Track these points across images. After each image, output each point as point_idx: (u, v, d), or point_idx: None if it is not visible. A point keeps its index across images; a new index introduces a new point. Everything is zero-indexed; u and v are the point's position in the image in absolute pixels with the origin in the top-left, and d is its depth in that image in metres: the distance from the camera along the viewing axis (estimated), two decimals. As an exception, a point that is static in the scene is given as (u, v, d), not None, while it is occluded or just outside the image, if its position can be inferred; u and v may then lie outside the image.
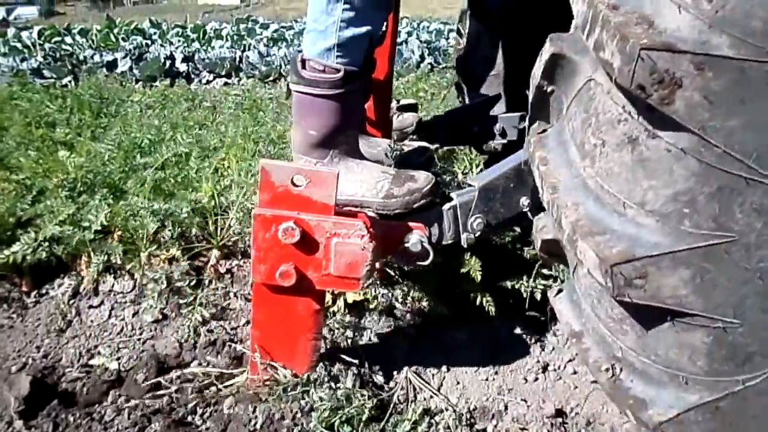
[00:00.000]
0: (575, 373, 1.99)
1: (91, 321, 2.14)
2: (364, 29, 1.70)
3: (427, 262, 1.69)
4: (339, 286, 1.65)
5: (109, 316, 2.15)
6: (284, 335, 1.71)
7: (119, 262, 2.24)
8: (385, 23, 2.01)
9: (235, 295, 2.21)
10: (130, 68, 9.44)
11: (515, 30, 2.85)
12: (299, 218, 1.53)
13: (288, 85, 1.96)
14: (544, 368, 1.99)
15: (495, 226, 1.85)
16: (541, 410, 1.80)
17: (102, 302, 2.20)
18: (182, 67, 9.62)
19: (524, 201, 1.80)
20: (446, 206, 1.80)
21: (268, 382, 1.71)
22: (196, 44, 11.48)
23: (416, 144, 2.29)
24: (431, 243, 1.72)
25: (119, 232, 2.31)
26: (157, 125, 3.48)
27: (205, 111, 4.43)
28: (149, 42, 11.75)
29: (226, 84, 8.81)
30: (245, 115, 3.97)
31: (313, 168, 1.65)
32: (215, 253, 2.32)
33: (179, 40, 12.04)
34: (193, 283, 2.18)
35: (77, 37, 12.88)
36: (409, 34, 11.26)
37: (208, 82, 9.29)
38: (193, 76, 9.49)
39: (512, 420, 1.77)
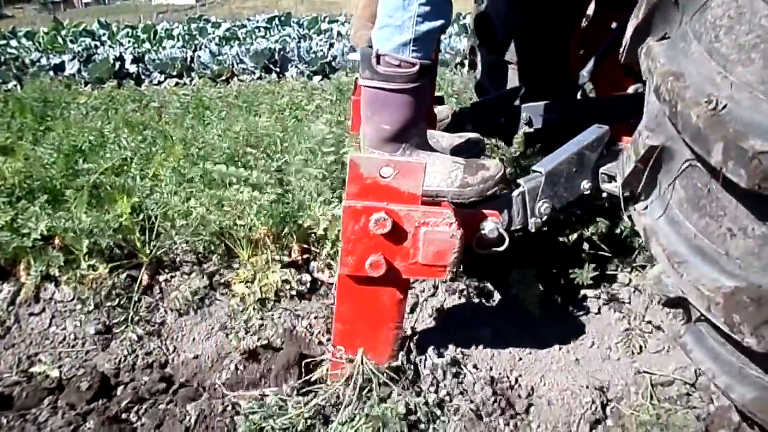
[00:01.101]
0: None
1: (32, 329, 2.10)
2: (438, 23, 1.73)
3: (502, 248, 1.73)
4: (426, 275, 1.67)
5: (50, 325, 2.12)
6: (368, 326, 1.73)
7: (58, 273, 2.20)
8: None
9: (166, 310, 2.18)
10: (79, 71, 9.25)
11: (527, 53, 2.98)
12: (389, 209, 1.56)
13: (356, 80, 1.99)
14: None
15: (559, 210, 1.91)
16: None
17: (43, 310, 2.16)
18: (132, 68, 9.46)
19: (585, 184, 1.90)
20: (515, 192, 1.85)
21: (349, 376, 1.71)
22: (147, 45, 11.30)
23: (468, 135, 2.32)
24: (506, 229, 1.78)
25: (59, 240, 2.27)
26: (99, 128, 3.42)
27: (150, 112, 4.38)
28: (98, 44, 11.52)
29: (177, 84, 8.70)
30: (190, 116, 3.94)
31: (400, 159, 1.68)
32: (146, 267, 2.27)
33: (129, 41, 11.83)
34: (128, 297, 2.16)
35: (23, 40, 12.54)
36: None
37: (159, 82, 9.16)
38: (143, 77, 9.35)
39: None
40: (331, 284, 2.25)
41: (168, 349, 2.05)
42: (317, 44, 9.69)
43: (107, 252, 2.29)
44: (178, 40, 11.61)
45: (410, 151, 1.85)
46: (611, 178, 1.85)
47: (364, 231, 1.56)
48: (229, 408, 1.63)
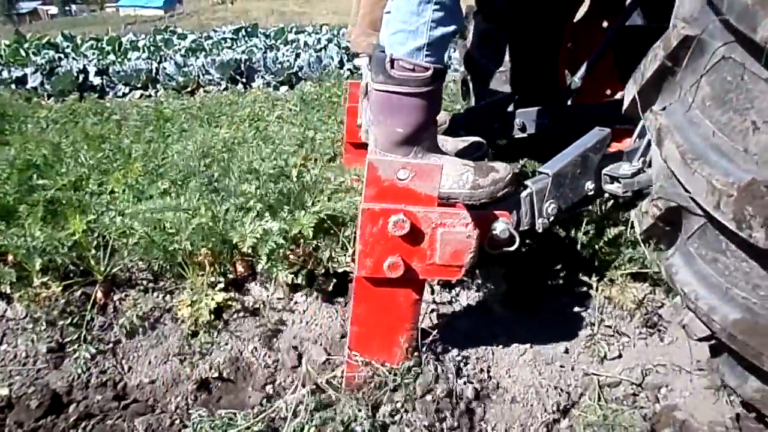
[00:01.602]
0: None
1: (-18, 347, 2.08)
2: (451, 28, 1.78)
3: (513, 248, 1.78)
4: (442, 275, 1.70)
5: (1, 343, 2.09)
6: (383, 328, 1.75)
7: (9, 291, 2.16)
8: None
9: (120, 328, 2.14)
10: (41, 84, 9.13)
11: (522, 28, 3.00)
12: (407, 210, 1.59)
13: (367, 85, 2.01)
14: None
15: (564, 210, 1.97)
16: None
17: (-6, 327, 2.14)
18: (96, 80, 9.37)
19: (589, 185, 1.97)
20: (523, 194, 1.91)
21: (367, 378, 1.75)
22: (112, 56, 11.19)
23: (471, 139, 2.36)
24: (516, 229, 1.83)
25: (12, 257, 2.25)
26: (56, 143, 3.38)
27: (110, 125, 4.34)
28: (62, 56, 11.37)
29: (142, 96, 8.63)
30: (150, 129, 3.91)
31: (418, 161, 1.72)
32: (100, 285, 2.24)
33: (94, 53, 11.71)
34: (81, 315, 2.13)
35: (-16, 54, 12.34)
36: (329, 41, 11.29)
37: (124, 94, 9.09)
38: (107, 89, 9.27)
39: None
40: (268, 305, 2.23)
41: (123, 368, 2.04)
42: (284, 55, 9.70)
43: (61, 269, 2.26)
44: (144, 51, 11.53)
45: (422, 154, 1.89)
46: (613, 179, 1.96)
47: (382, 233, 1.59)
48: (177, 421, 1.64)
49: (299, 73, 9.00)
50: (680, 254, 1.48)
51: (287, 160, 2.76)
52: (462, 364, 1.96)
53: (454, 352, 1.98)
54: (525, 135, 2.74)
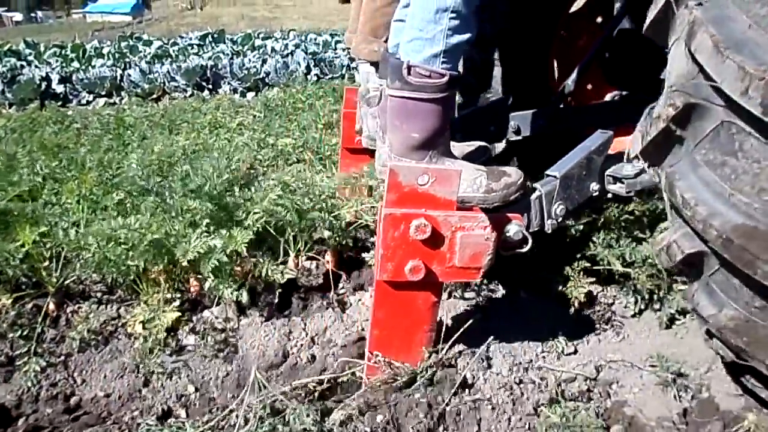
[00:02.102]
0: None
1: (-70, 361, 2.04)
2: (466, 36, 1.83)
3: (525, 249, 1.83)
4: (460, 277, 1.75)
5: (-49, 356, 2.06)
6: (403, 330, 1.79)
7: (-42, 302, 2.13)
8: None
9: (72, 341, 2.10)
10: (2, 92, 8.96)
11: (509, 52, 3.04)
12: (428, 214, 1.63)
13: (383, 91, 2.04)
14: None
15: (571, 212, 2.01)
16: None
17: (-56, 341, 2.10)
18: (59, 88, 9.22)
19: (594, 186, 2.03)
20: (533, 196, 1.95)
21: (387, 380, 1.76)
22: (76, 64, 11.02)
23: (476, 143, 2.38)
24: (527, 230, 1.87)
25: (-37, 269, 2.21)
26: (11, 153, 3.33)
27: (69, 133, 4.28)
28: (24, 64, 11.18)
29: (106, 104, 8.52)
30: (109, 137, 3.87)
31: (438, 166, 1.77)
32: (52, 297, 2.21)
33: (57, 61, 11.52)
34: (32, 328, 2.09)
35: (-57, 62, 12.08)
36: (297, 46, 11.26)
37: (87, 102, 8.95)
38: (71, 97, 9.12)
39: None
40: (217, 323, 2.19)
41: (76, 381, 2.00)
42: (250, 61, 9.65)
43: (12, 281, 2.23)
44: (108, 58, 11.37)
45: (436, 159, 1.90)
46: (616, 180, 2.02)
47: (403, 237, 1.63)
48: (127, 431, 1.62)
49: (266, 79, 8.96)
50: (685, 162, 1.50)
51: (237, 170, 2.73)
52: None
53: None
54: (520, 138, 2.78)
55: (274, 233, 2.31)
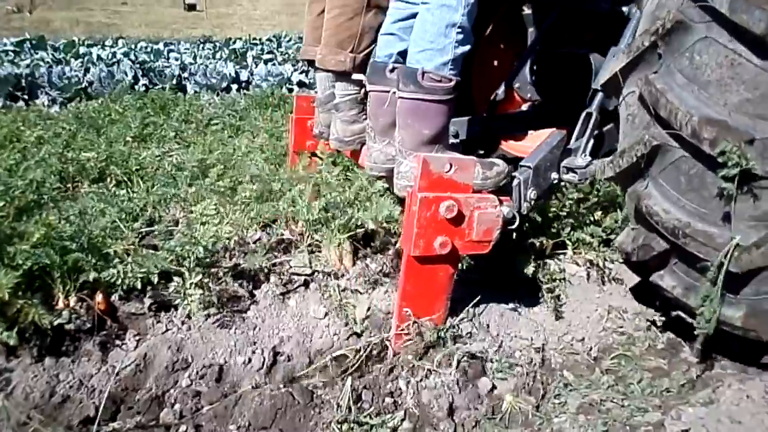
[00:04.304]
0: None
1: None
2: (468, 47, 2.18)
3: (515, 226, 2.20)
4: (476, 250, 2.10)
5: None
6: (427, 300, 2.12)
7: None
8: None
9: None
10: None
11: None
12: (454, 197, 1.98)
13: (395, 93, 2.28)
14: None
15: (539, 196, 2.35)
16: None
17: None
18: None
19: (554, 175, 2.41)
20: (514, 183, 2.28)
21: (411, 344, 2.09)
22: None
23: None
24: (519, 210, 2.24)
25: None
26: None
27: None
28: None
29: None
30: None
31: (460, 157, 2.10)
32: None
33: None
34: None
35: None
36: (125, 54, 10.61)
37: None
38: None
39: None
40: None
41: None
42: (72, 69, 8.95)
43: None
44: None
45: (442, 152, 2.21)
46: (569, 170, 2.42)
47: (433, 217, 1.97)
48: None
49: (89, 89, 8.34)
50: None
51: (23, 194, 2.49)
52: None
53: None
54: (458, 141, 3.08)
55: (43, 273, 2.12)
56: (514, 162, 2.49)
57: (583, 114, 2.49)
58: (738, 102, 1.68)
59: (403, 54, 2.36)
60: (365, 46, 2.73)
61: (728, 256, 1.77)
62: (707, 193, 1.81)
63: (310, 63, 3.07)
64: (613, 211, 2.92)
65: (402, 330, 2.09)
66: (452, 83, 2.14)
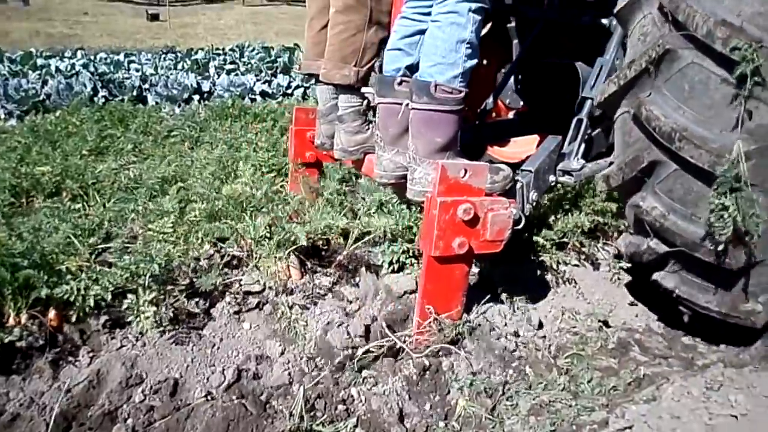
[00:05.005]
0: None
1: None
2: (475, 60, 2.31)
3: (520, 226, 2.34)
4: (489, 249, 2.23)
5: None
6: (445, 297, 2.25)
7: None
8: None
9: None
10: None
11: None
12: (470, 200, 2.12)
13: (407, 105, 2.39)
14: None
15: (538, 198, 2.50)
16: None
17: None
18: None
19: (551, 178, 2.58)
20: (517, 186, 2.42)
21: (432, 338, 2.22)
22: None
23: None
24: (523, 212, 2.39)
25: None
26: None
27: None
28: None
29: None
30: None
31: (475, 163, 2.22)
32: None
33: None
34: None
35: None
36: (84, 66, 10.43)
37: None
38: None
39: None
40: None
41: None
42: (29, 81, 8.79)
43: None
44: None
45: (453, 158, 2.32)
46: (565, 173, 2.59)
47: (451, 219, 2.10)
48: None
49: (47, 102, 8.20)
50: None
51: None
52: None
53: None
54: None
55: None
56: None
57: (574, 120, 2.66)
58: (751, 14, 1.91)
59: (410, 68, 2.51)
60: (368, 60, 2.84)
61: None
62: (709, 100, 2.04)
63: (311, 76, 3.17)
64: (564, 215, 2.99)
65: (423, 327, 2.22)
66: (462, 94, 2.28)
